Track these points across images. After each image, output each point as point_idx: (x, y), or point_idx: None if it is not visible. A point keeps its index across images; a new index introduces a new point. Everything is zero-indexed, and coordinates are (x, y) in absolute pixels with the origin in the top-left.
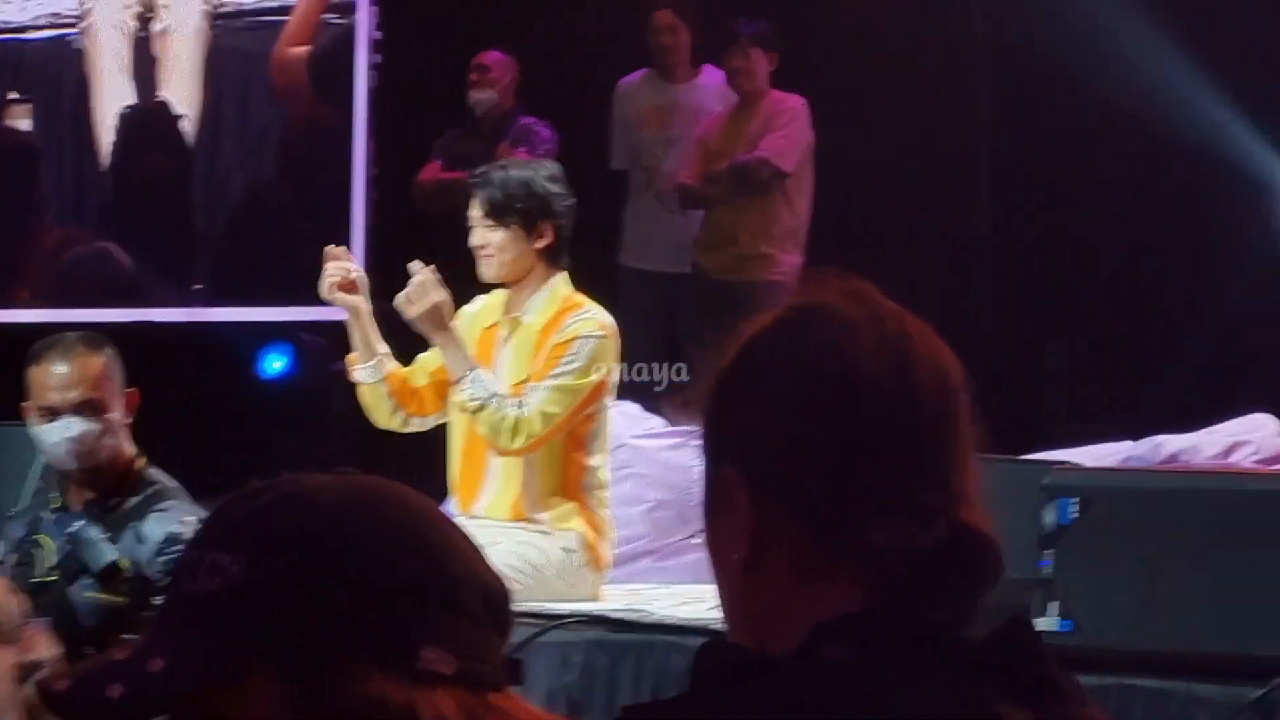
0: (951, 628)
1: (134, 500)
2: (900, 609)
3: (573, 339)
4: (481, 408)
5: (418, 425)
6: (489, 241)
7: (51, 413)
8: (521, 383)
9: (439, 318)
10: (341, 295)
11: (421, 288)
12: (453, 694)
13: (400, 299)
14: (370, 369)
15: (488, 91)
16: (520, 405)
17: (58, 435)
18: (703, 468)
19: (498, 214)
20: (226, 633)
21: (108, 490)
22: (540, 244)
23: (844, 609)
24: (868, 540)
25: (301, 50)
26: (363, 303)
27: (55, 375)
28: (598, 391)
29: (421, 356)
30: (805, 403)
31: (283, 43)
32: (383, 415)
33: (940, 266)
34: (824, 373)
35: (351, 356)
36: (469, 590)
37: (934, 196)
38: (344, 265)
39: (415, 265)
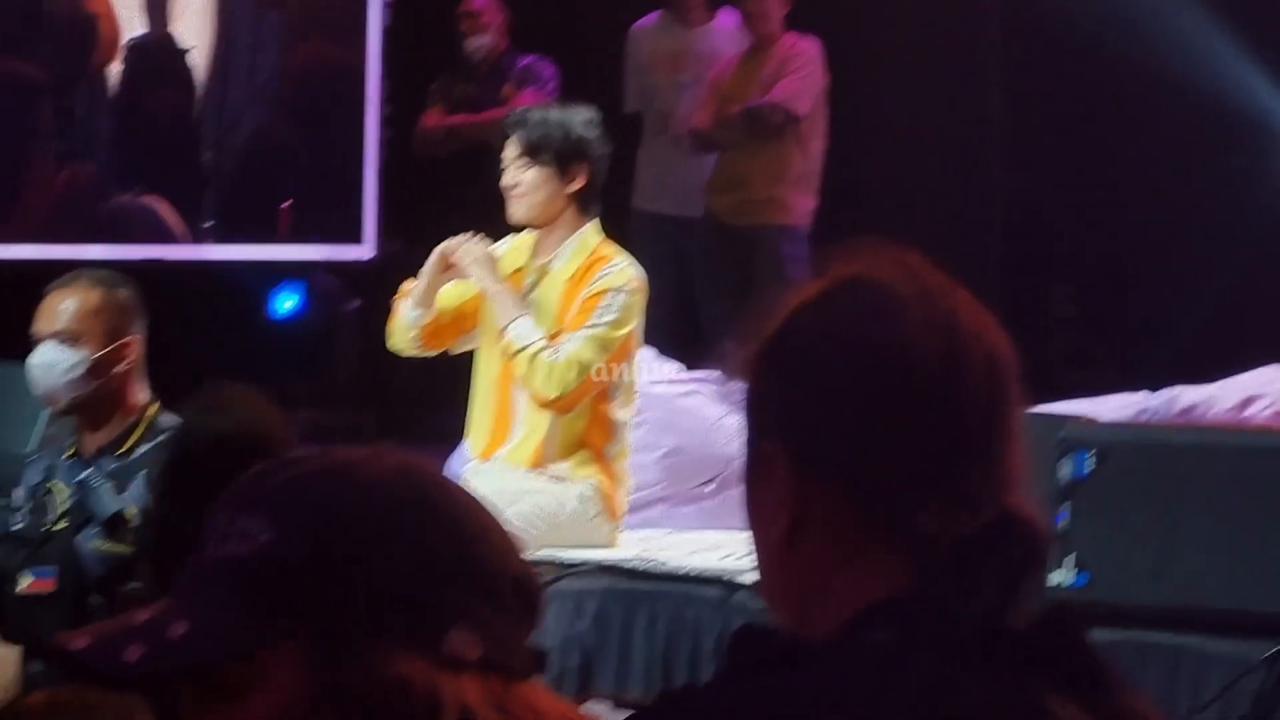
0: (997, 614)
1: (145, 447)
2: (945, 594)
3: (605, 290)
4: (524, 349)
5: (431, 354)
6: (521, 180)
7: (36, 341)
8: (552, 336)
9: (490, 264)
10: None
11: (471, 240)
12: (477, 680)
13: (453, 245)
14: (416, 314)
15: (484, 37)
16: (556, 352)
17: (29, 362)
18: (743, 438)
19: (532, 153)
20: (252, 601)
21: (119, 437)
22: (572, 187)
23: (887, 592)
24: (912, 523)
25: None
26: (453, 273)
27: (45, 304)
28: (627, 345)
29: (443, 292)
30: (851, 379)
31: None
32: (400, 343)
33: (950, 210)
34: (872, 348)
35: (408, 288)
36: (500, 577)
37: (946, 139)
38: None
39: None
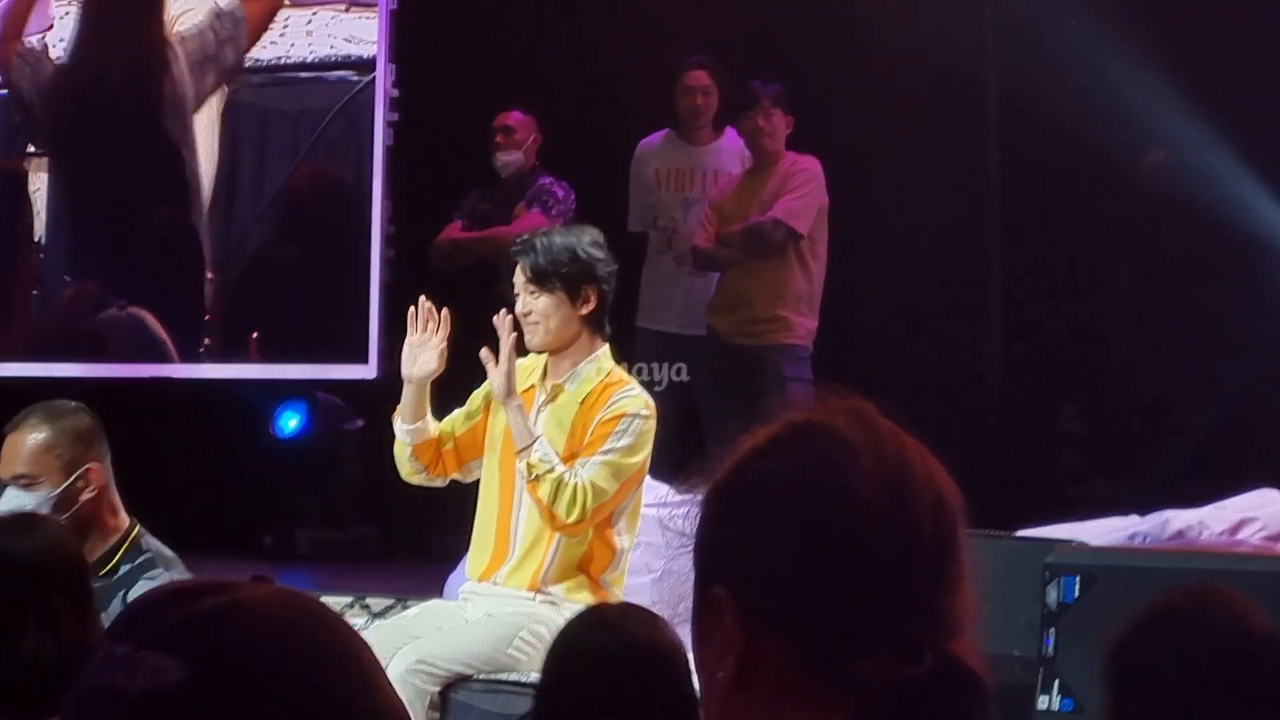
0: None
1: (127, 567)
2: None
3: (620, 415)
4: (551, 470)
5: (439, 483)
6: (533, 309)
7: (2, 485)
8: (564, 458)
9: (510, 385)
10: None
11: (495, 361)
12: None
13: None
14: (406, 430)
15: (515, 154)
16: (577, 475)
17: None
18: (693, 582)
19: (541, 280)
20: None
21: (101, 558)
22: (585, 310)
23: None
24: (854, 671)
25: None
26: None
27: (4, 447)
28: (641, 472)
29: (450, 419)
30: (798, 525)
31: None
32: (406, 469)
33: (954, 327)
34: (819, 496)
35: (400, 410)
36: (386, 714)
37: (947, 258)
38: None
39: (485, 353)
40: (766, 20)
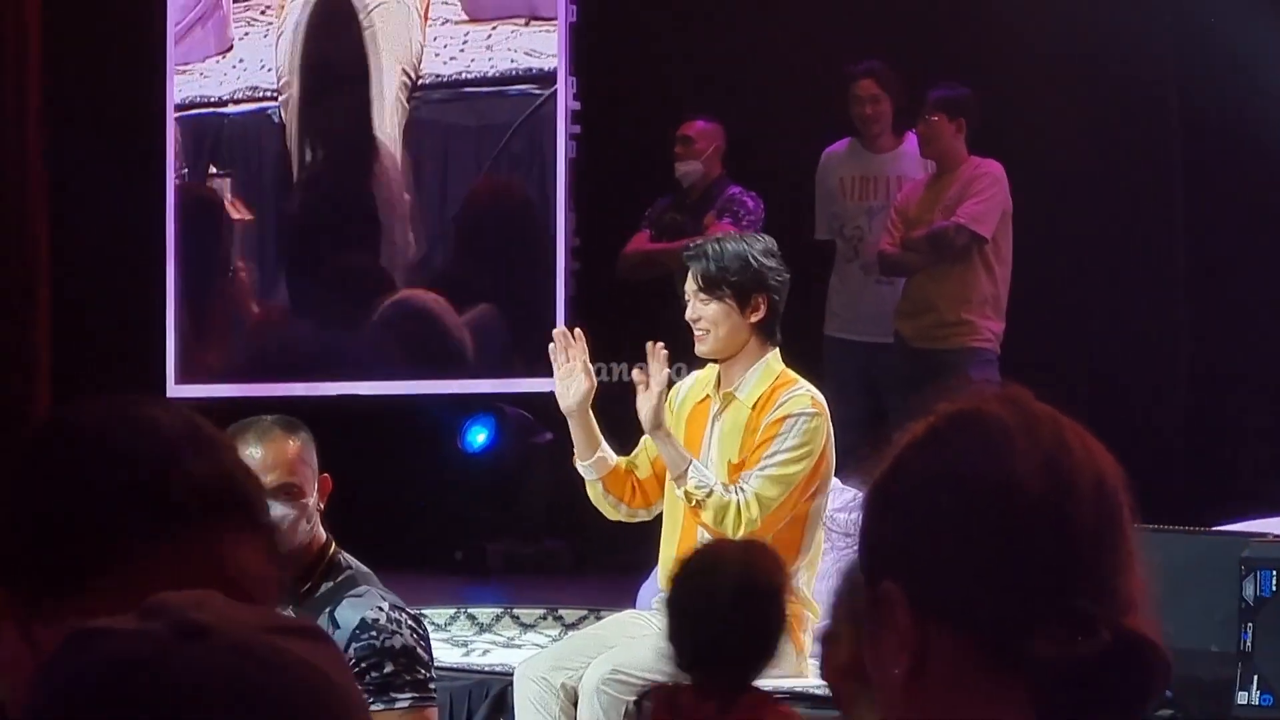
0: None
1: (328, 585)
2: None
3: (784, 418)
4: (709, 495)
5: (644, 515)
6: (703, 315)
7: None
8: (738, 465)
9: (658, 417)
10: (584, 385)
11: (646, 385)
12: None
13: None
14: (587, 467)
15: (693, 163)
16: (739, 491)
17: None
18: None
19: (711, 287)
20: None
21: (301, 575)
22: (754, 318)
23: None
24: (1030, 652)
25: None
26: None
27: (251, 459)
28: (816, 472)
29: (642, 446)
30: (960, 516)
31: None
32: (607, 510)
33: (1141, 327)
34: (979, 484)
35: (576, 450)
36: None
37: (1131, 260)
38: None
39: (637, 374)
40: (948, 23)
